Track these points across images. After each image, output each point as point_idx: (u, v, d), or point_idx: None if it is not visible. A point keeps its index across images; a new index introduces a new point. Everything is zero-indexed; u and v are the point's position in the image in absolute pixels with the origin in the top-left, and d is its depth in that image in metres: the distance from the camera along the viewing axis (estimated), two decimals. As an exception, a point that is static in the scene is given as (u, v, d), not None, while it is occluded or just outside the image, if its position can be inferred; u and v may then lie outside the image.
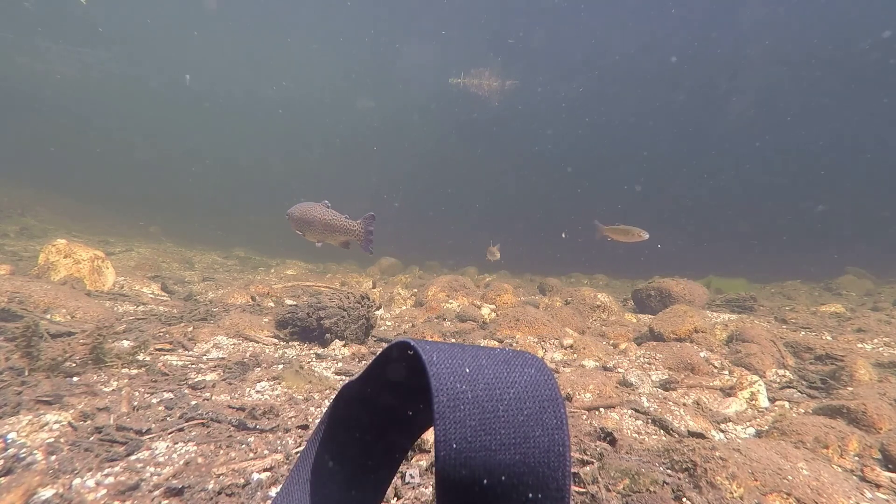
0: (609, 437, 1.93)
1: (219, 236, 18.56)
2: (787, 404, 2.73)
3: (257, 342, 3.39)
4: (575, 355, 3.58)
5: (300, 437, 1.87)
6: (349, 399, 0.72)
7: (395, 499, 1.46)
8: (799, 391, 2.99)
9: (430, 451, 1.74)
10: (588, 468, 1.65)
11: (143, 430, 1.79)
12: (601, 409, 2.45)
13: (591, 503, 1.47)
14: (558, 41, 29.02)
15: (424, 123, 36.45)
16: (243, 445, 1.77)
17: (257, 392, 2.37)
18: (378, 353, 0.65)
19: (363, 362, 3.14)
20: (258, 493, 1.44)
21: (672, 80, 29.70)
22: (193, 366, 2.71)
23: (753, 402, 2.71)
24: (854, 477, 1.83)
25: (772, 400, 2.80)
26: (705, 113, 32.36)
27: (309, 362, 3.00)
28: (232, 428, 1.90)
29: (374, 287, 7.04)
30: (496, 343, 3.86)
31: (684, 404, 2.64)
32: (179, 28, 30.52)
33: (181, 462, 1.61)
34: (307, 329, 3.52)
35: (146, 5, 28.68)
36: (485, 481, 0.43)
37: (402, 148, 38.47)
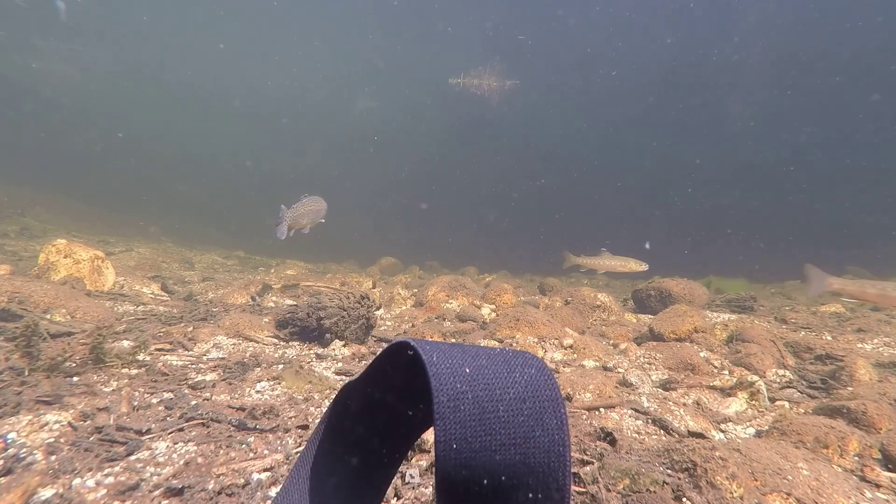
0: (609, 437, 1.93)
1: (222, 236, 18.50)
2: (787, 404, 2.73)
3: (257, 342, 3.39)
4: (575, 355, 3.57)
5: (300, 437, 1.87)
6: (349, 399, 0.72)
7: (395, 499, 1.46)
8: (799, 391, 2.99)
9: (430, 451, 1.74)
10: (588, 468, 1.65)
11: (143, 430, 1.79)
12: (601, 409, 2.45)
13: (592, 503, 1.47)
14: (565, 38, 28.98)
15: (423, 124, 36.43)
16: (243, 445, 1.77)
17: (257, 392, 2.37)
18: (378, 354, 0.65)
19: (363, 362, 3.14)
20: (258, 493, 1.44)
21: (673, 80, 29.69)
22: (193, 366, 2.71)
23: (753, 402, 2.71)
24: (854, 477, 1.83)
25: (772, 400, 2.80)
26: (705, 113, 32.36)
27: (309, 362, 3.00)
28: (232, 428, 1.90)
29: (374, 287, 7.04)
30: (496, 343, 3.86)
31: (684, 404, 2.64)
32: (178, 26, 30.53)
33: (181, 462, 1.61)
34: (307, 329, 3.52)
35: (145, 3, 28.71)
36: (485, 481, 0.43)
37: (403, 147, 38.44)
